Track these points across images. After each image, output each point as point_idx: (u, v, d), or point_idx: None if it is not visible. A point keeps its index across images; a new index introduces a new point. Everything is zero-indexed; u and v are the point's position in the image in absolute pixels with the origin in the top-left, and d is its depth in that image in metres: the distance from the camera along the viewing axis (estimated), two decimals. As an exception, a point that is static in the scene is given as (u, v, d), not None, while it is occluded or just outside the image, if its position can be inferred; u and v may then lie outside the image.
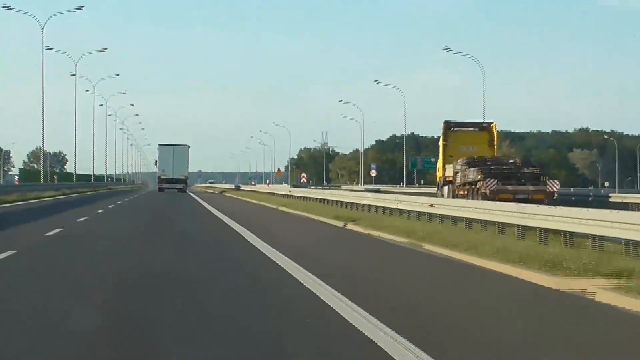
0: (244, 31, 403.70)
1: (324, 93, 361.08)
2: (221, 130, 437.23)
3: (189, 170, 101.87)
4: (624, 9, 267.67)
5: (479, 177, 43.35)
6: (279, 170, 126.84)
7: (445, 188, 50.81)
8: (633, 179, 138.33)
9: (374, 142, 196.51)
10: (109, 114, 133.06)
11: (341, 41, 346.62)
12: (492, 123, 52.34)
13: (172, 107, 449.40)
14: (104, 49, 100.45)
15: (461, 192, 46.63)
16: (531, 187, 42.21)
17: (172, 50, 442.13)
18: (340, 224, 32.39)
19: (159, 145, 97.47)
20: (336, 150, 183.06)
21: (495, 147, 51.86)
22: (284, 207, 49.35)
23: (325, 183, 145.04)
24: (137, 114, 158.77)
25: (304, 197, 57.90)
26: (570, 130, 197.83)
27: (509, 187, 42.16)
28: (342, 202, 45.18)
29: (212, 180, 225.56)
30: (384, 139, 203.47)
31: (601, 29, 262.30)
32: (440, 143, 52.94)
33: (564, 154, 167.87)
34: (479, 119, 53.78)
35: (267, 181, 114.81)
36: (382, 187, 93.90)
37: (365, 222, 30.27)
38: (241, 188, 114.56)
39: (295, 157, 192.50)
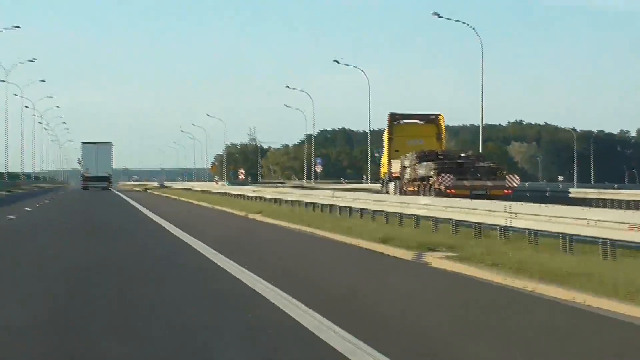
0: (172, 24, 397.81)
1: (254, 86, 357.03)
2: (148, 125, 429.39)
3: (114, 168, 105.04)
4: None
5: (432, 172, 40.16)
6: (213, 166, 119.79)
7: (392, 184, 47.51)
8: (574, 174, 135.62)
9: (303, 137, 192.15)
10: (26, 107, 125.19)
11: (276, 35, 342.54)
12: (439, 115, 49.11)
13: (95, 100, 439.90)
14: (17, 26, 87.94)
15: (410, 189, 43.37)
16: (489, 183, 39.21)
17: (96, 42, 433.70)
18: (409, 254, 17.93)
19: (83, 143, 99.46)
20: (264, 145, 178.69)
21: (443, 140, 48.76)
22: (258, 214, 34.93)
23: (260, 180, 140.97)
24: (57, 106, 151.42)
25: (277, 200, 43.62)
26: (504, 123, 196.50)
27: (466, 183, 39.13)
28: (348, 208, 30.98)
29: (135, 177, 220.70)
30: (314, 134, 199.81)
31: (531, 23, 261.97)
32: (385, 137, 49.56)
33: (502, 148, 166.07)
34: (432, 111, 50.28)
35: (216, 178, 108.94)
36: (306, 183, 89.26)
37: (483, 255, 15.98)
38: (166, 186, 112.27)
39: (222, 153, 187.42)
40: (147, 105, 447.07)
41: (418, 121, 49.57)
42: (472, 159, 42.43)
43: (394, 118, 48.97)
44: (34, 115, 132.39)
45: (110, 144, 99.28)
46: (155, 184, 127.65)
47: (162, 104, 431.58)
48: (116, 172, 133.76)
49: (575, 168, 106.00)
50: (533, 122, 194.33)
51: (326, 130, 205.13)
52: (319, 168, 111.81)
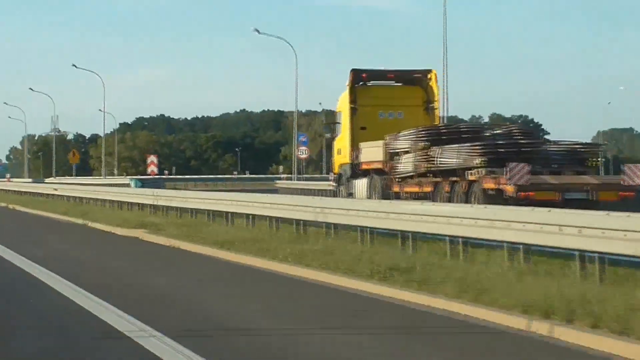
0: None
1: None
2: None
3: None
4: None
5: (478, 161, 23.31)
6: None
7: (360, 182, 30.31)
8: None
9: (117, 126, 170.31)
10: None
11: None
12: (429, 72, 32.01)
13: None
14: None
15: (412, 189, 26.38)
16: (593, 180, 22.56)
17: None
18: None
19: None
20: (67, 136, 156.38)
21: (437, 112, 31.86)
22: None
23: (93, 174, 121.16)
24: None
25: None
26: (485, 117, 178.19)
27: (551, 180, 22.43)
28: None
29: None
30: (129, 122, 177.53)
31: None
32: (345, 107, 32.06)
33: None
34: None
35: (8, 176, 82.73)
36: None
37: None
38: None
39: (19, 146, 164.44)
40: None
41: (394, 82, 32.62)
42: (518, 136, 25.84)
43: (357, 77, 31.68)
44: None
45: None
46: None
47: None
48: None
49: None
50: (509, 115, 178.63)
51: (143, 117, 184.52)
52: (302, 154, 72.60)
